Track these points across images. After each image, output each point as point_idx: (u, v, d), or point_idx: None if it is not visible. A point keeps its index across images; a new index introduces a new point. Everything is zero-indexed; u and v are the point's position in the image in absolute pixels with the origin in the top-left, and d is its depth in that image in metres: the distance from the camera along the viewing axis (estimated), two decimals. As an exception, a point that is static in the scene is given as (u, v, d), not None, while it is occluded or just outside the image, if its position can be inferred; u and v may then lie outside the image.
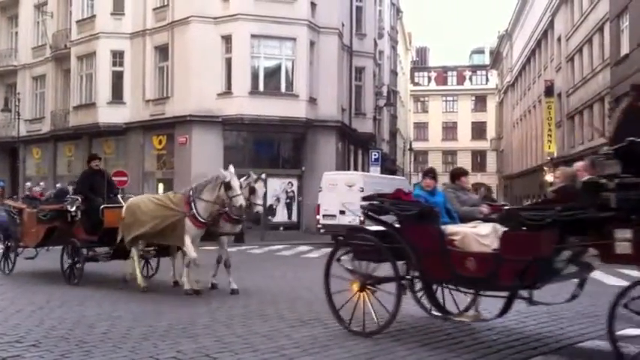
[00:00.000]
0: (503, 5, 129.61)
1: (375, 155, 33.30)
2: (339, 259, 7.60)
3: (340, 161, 29.74)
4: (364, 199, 7.97)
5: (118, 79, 30.46)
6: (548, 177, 41.59)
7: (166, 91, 28.97)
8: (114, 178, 26.04)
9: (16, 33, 38.52)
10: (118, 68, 30.46)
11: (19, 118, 35.12)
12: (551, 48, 43.34)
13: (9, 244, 13.77)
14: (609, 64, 29.98)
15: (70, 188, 15.89)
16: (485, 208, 7.68)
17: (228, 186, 10.28)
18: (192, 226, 10.45)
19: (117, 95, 30.43)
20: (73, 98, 32.18)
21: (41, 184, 36.53)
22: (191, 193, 10.67)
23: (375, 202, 7.60)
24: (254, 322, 8.22)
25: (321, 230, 23.30)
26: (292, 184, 28.34)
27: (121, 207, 11.62)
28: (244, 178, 10.96)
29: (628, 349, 6.62)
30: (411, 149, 63.10)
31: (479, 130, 78.42)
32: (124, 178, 26.03)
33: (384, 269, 7.46)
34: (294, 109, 27.11)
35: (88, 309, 9.23)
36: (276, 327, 7.86)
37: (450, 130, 79.21)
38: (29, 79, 37.16)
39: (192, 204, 10.48)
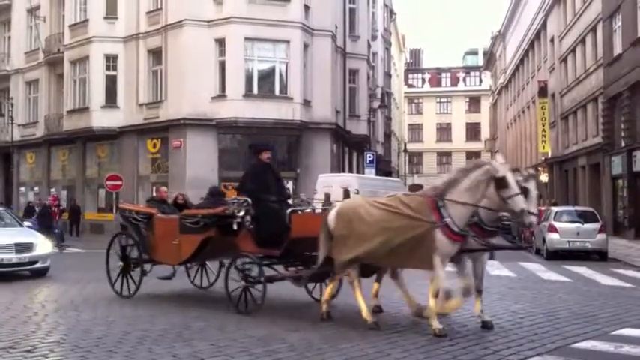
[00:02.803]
0: (497, 6, 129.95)
1: (369, 157, 33.29)
2: None
3: (335, 163, 29.71)
4: None
5: (111, 83, 30.35)
6: (543, 177, 41.74)
7: (160, 94, 28.91)
8: (108, 183, 26.53)
9: (9, 37, 38.38)
10: (111, 72, 30.35)
11: (12, 123, 35.03)
12: (544, 48, 43.45)
13: (129, 259, 10.94)
14: (602, 64, 30.07)
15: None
16: None
17: (501, 183, 7.55)
18: (445, 241, 7.60)
19: (111, 99, 30.32)
20: (66, 103, 32.07)
21: (35, 189, 36.65)
22: (437, 193, 7.93)
23: None
24: (248, 325, 8.21)
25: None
26: (288, 182, 28.26)
27: (319, 213, 9.41)
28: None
29: (623, 348, 6.64)
30: (405, 151, 63.23)
31: (473, 131, 78.58)
32: (119, 183, 26.05)
33: None
34: (289, 112, 27.08)
35: (83, 314, 9.21)
36: (270, 331, 7.85)
37: (444, 131, 79.33)
38: (22, 84, 37.04)
39: (442, 209, 7.70)
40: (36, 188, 36.66)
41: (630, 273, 13.78)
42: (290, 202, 9.99)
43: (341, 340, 7.23)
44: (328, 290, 8.79)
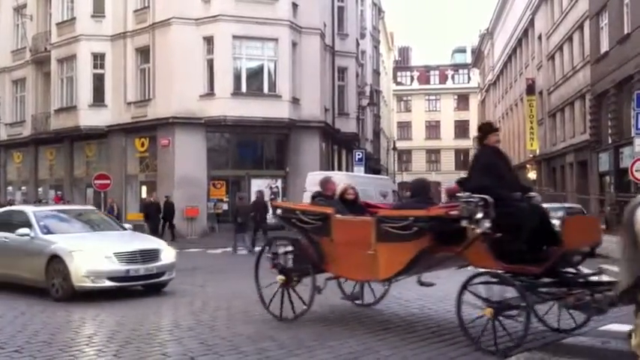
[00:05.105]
0: (485, 4, 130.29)
1: (358, 155, 33.32)
2: None
3: (324, 161, 29.70)
4: None
5: (99, 81, 30.19)
6: (531, 174, 41.94)
7: (148, 93, 28.79)
8: (96, 182, 26.36)
9: (-5, 36, 38.12)
10: (98, 71, 30.19)
11: (-1, 122, 34.81)
12: (532, 46, 43.62)
13: (293, 271, 8.52)
14: (589, 61, 30.22)
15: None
16: None
17: None
18: None
19: (98, 98, 30.17)
20: (53, 101, 31.88)
21: (22, 188, 36.43)
22: None
23: None
24: (238, 323, 8.21)
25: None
26: (276, 180, 28.27)
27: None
28: None
29: (611, 344, 6.68)
30: (394, 149, 63.26)
31: (462, 128, 78.76)
32: (107, 182, 25.90)
33: None
34: (277, 110, 27.05)
35: (72, 314, 9.16)
36: (260, 328, 7.85)
37: (433, 129, 79.49)
38: (9, 83, 36.79)
39: None
40: (23, 188, 36.45)
41: (617, 269, 13.88)
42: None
43: (330, 338, 7.24)
44: None
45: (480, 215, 6.67)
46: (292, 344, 6.99)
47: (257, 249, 20.09)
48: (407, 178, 74.29)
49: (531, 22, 43.00)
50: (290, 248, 8.66)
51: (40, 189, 34.76)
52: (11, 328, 8.13)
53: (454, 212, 6.93)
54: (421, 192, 8.25)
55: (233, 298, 10.41)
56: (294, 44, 27.92)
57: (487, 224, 6.67)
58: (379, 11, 55.07)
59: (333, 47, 32.50)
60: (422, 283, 8.35)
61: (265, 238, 19.73)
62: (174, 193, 26.01)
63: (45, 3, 33.82)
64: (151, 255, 11.05)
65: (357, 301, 9.07)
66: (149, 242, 11.91)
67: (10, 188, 37.58)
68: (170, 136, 27.32)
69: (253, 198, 22.74)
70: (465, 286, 6.83)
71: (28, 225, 11.33)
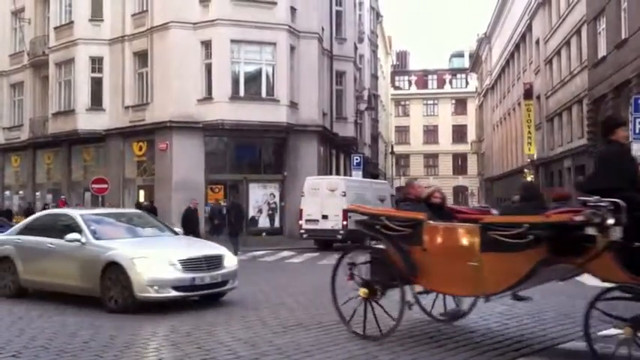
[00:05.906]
0: (482, 9, 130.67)
1: (356, 159, 33.34)
2: None
3: (322, 166, 29.71)
4: None
5: (97, 85, 30.15)
6: (529, 178, 41.96)
7: (146, 97, 28.78)
8: (93, 186, 26.33)
9: (-7, 40, 38.10)
10: (97, 74, 30.16)
11: (-4, 126, 34.76)
12: (529, 51, 43.70)
13: (377, 283, 7.55)
14: (587, 66, 30.26)
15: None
16: None
17: None
18: None
19: (96, 102, 30.13)
20: (51, 105, 31.85)
21: (20, 192, 36.37)
22: None
23: None
24: (236, 328, 8.19)
25: (304, 235, 23.28)
26: (274, 195, 28.26)
27: None
28: None
29: (609, 349, 6.66)
30: (392, 153, 63.34)
31: (459, 133, 78.93)
32: (105, 186, 25.88)
33: None
34: (275, 114, 27.06)
35: (69, 318, 9.13)
36: (258, 333, 7.83)
37: (431, 133, 79.62)
38: (7, 87, 36.74)
39: None
40: (21, 192, 36.40)
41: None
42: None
43: (329, 343, 7.23)
44: None
45: (611, 221, 5.82)
46: (290, 349, 6.97)
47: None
48: (404, 182, 74.39)
49: (529, 27, 43.09)
50: (369, 258, 7.76)
51: (37, 193, 34.69)
52: (8, 333, 8.10)
53: (579, 218, 6.02)
54: (533, 196, 7.30)
55: (231, 302, 10.39)
56: (292, 48, 27.95)
57: (619, 232, 5.83)
58: (377, 15, 55.20)
59: (331, 51, 32.53)
60: (518, 298, 7.29)
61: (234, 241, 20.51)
62: (172, 196, 26.00)
63: (43, 7, 33.83)
64: (216, 261, 10.27)
65: (454, 320, 8.27)
66: (211, 248, 11.01)
67: (7, 192, 37.53)
68: (168, 140, 27.30)
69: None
70: (593, 303, 5.97)
71: (76, 230, 10.48)
